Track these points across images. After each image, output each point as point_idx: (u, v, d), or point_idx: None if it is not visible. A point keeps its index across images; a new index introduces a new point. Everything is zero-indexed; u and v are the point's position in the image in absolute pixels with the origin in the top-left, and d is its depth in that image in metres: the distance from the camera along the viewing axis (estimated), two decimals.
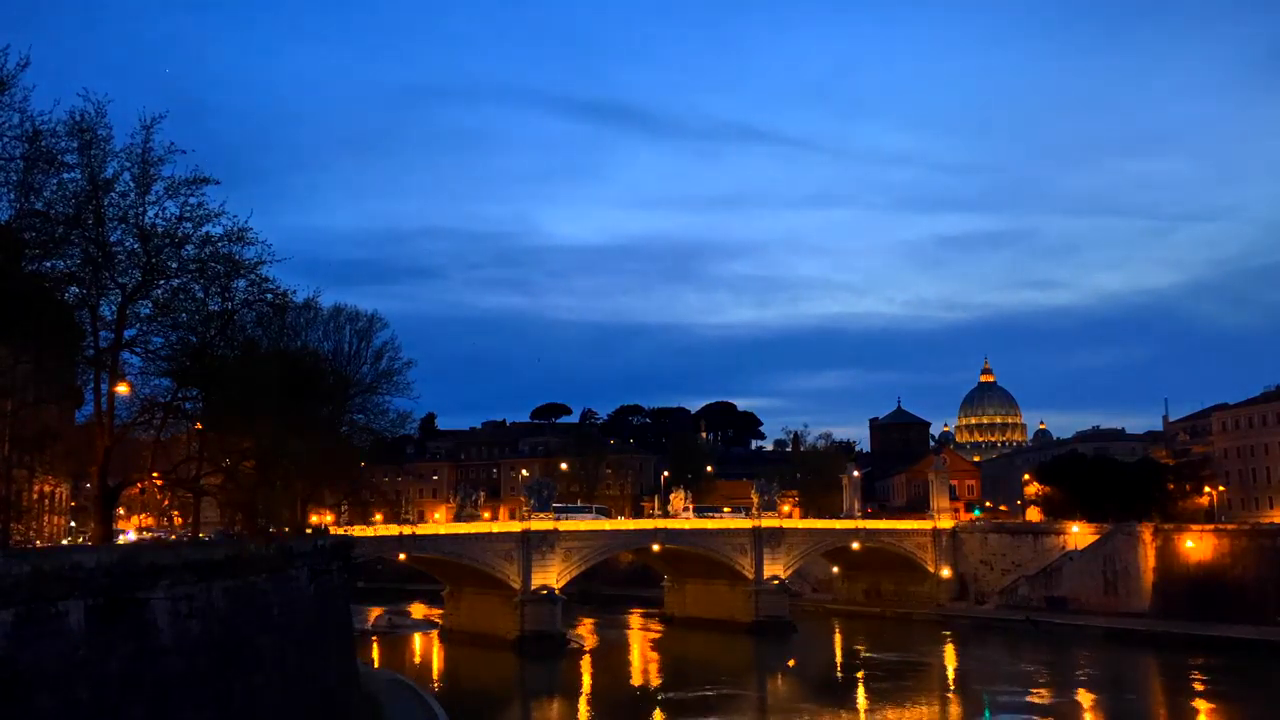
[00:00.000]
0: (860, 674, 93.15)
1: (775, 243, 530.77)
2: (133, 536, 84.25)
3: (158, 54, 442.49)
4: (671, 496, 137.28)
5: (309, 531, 65.97)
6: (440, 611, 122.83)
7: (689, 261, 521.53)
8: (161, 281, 44.18)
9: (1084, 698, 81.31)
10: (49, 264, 40.93)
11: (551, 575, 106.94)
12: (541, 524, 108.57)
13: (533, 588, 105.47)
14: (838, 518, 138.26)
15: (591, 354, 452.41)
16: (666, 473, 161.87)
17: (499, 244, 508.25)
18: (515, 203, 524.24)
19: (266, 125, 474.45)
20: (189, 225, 43.55)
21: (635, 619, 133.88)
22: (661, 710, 78.47)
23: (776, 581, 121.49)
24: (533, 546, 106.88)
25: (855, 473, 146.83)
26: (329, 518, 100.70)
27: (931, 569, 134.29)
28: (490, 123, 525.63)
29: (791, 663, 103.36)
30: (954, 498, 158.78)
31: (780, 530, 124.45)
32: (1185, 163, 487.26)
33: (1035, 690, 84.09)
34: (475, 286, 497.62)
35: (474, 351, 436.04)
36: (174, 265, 44.30)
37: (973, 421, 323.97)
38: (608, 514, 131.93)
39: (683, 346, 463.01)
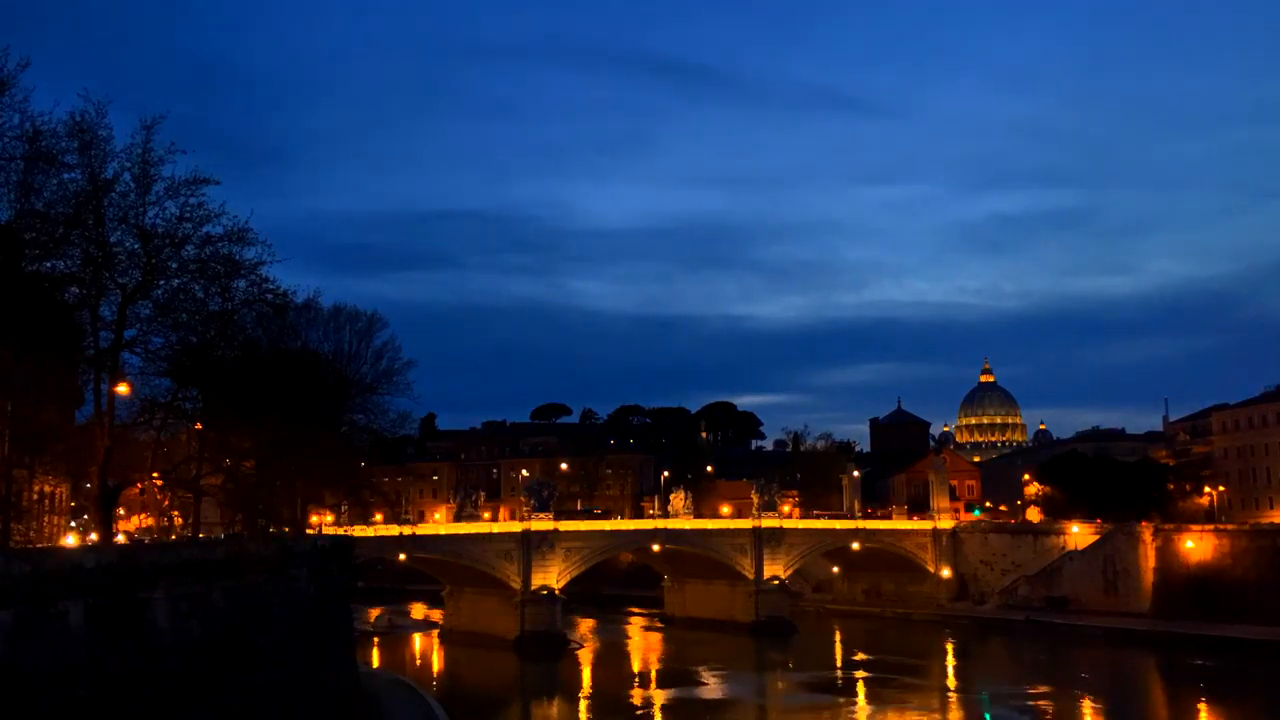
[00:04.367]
0: (860, 674, 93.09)
1: (824, 225, 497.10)
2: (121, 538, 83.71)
3: (172, 19, 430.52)
4: (671, 497, 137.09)
5: (309, 531, 66.00)
6: (440, 611, 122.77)
7: (725, 246, 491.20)
8: (161, 282, 44.30)
9: (1084, 698, 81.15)
10: (49, 264, 41.02)
11: (551, 575, 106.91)
12: (541, 524, 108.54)
13: (533, 588, 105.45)
14: (838, 518, 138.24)
15: (606, 349, 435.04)
16: (666, 473, 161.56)
17: (523, 227, 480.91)
18: (544, 179, 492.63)
19: (279, 93, 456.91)
20: (189, 225, 43.75)
21: (635, 619, 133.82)
22: (661, 710, 78.47)
23: (777, 581, 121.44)
24: (533, 547, 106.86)
25: (855, 473, 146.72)
26: (329, 518, 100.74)
27: (931, 569, 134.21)
28: (522, 87, 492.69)
29: (791, 663, 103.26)
30: (954, 498, 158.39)
31: (780, 530, 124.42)
32: None
33: (1035, 690, 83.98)
34: (494, 273, 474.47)
35: (483, 344, 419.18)
36: (174, 265, 44.43)
37: (973, 421, 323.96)
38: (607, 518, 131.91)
39: (696, 341, 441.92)
